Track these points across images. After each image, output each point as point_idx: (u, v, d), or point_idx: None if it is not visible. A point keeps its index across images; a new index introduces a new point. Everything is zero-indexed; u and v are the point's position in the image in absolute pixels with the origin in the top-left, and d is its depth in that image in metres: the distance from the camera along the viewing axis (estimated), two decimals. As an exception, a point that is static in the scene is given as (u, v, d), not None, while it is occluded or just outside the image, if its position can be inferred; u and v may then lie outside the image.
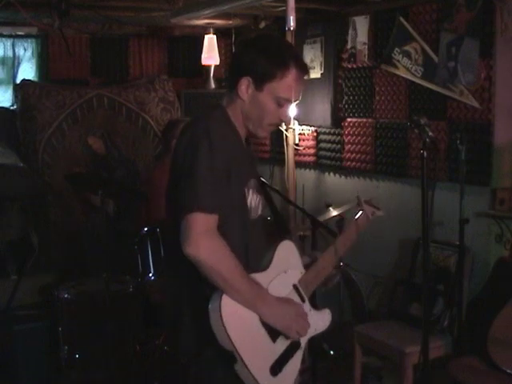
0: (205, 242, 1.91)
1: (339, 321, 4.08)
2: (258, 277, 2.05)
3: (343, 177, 5.03)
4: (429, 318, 3.58)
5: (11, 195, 4.77)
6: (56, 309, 3.87)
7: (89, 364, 3.80)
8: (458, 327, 3.70)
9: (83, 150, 5.27)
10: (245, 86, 2.08)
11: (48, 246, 5.02)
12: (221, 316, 1.92)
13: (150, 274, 3.70)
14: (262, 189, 2.25)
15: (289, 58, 2.08)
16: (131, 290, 3.86)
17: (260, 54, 2.07)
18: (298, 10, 3.86)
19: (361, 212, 2.44)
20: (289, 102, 2.12)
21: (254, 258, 2.10)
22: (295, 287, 2.17)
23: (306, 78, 2.16)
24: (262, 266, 2.09)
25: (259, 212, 2.19)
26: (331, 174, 5.15)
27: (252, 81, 2.07)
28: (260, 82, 2.07)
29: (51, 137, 5.21)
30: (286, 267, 2.15)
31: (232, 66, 2.16)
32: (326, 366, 4.32)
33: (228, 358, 1.95)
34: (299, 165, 5.28)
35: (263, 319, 2.02)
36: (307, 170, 5.35)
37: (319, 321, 2.24)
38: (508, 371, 3.15)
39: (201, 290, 2.00)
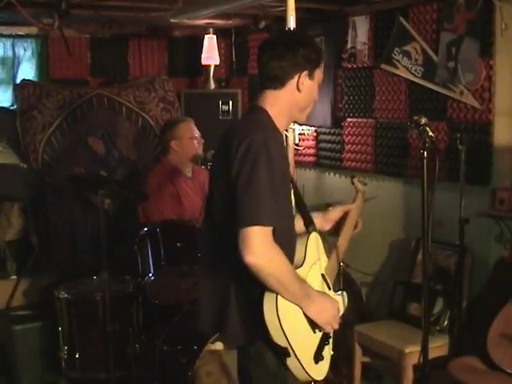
0: (264, 251, 2.05)
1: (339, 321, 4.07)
2: (299, 272, 2.21)
3: (343, 177, 5.03)
4: (429, 317, 3.59)
5: (11, 195, 4.77)
6: (56, 309, 3.86)
7: (89, 364, 3.80)
8: (457, 327, 3.70)
9: (83, 150, 5.26)
10: (303, 79, 2.28)
11: (48, 246, 5.02)
12: (278, 316, 2.08)
13: (150, 274, 3.70)
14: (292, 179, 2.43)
15: (319, 44, 2.45)
16: (131, 290, 3.86)
17: (311, 49, 2.30)
18: (297, 10, 3.86)
19: (357, 193, 2.74)
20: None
21: (294, 249, 2.29)
22: (323, 276, 2.38)
23: None
24: (298, 261, 2.27)
25: (293, 210, 2.38)
26: (331, 173, 5.15)
27: (307, 72, 2.29)
28: (313, 72, 2.31)
29: (51, 137, 5.20)
30: (315, 259, 2.35)
31: (279, 68, 2.27)
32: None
33: (279, 352, 2.12)
34: (299, 165, 5.28)
35: (306, 313, 2.19)
36: (307, 169, 5.35)
37: (342, 304, 2.45)
38: (508, 371, 3.15)
39: (250, 289, 2.14)
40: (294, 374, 2.18)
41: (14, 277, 4.70)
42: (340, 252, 2.56)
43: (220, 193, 2.23)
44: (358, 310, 4.61)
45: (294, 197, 2.40)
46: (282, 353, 2.12)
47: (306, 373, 2.18)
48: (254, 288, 2.13)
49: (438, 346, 3.65)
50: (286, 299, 2.12)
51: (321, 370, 2.29)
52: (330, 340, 2.35)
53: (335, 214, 2.68)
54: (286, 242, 2.19)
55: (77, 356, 3.77)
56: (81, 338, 3.79)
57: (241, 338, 2.24)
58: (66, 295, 3.81)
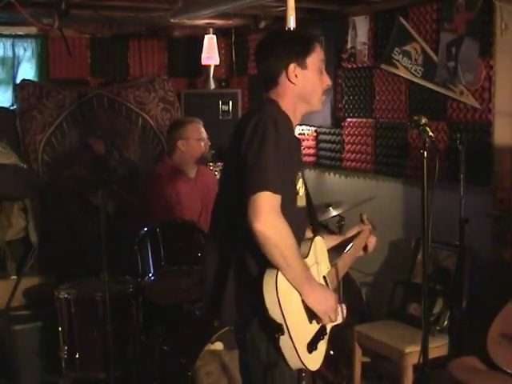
0: (272, 219, 2.08)
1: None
2: None
3: (343, 177, 5.03)
4: (429, 317, 3.59)
5: (11, 195, 4.77)
6: (56, 309, 3.86)
7: (88, 364, 3.80)
8: (457, 327, 3.70)
9: (83, 150, 5.26)
10: (293, 72, 2.32)
11: (48, 246, 5.02)
12: (277, 290, 2.10)
13: (150, 275, 3.70)
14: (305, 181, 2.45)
15: (308, 33, 2.42)
16: (131, 290, 3.86)
17: (290, 41, 2.37)
18: (297, 10, 3.85)
19: (366, 228, 2.74)
20: (323, 63, 2.41)
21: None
22: (324, 279, 2.42)
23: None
24: (302, 255, 2.26)
25: (304, 202, 2.40)
26: (331, 173, 5.15)
27: (297, 64, 2.32)
28: (303, 61, 2.33)
29: (51, 137, 5.21)
30: (318, 260, 2.38)
31: (268, 66, 2.35)
32: (325, 367, 4.32)
33: (274, 329, 2.13)
34: (299, 165, 5.27)
35: (305, 300, 2.21)
36: (307, 169, 5.35)
37: (340, 313, 2.43)
38: (508, 371, 3.15)
39: (247, 268, 2.20)
40: (285, 356, 2.17)
41: (14, 277, 4.69)
42: (342, 268, 2.58)
43: (229, 171, 2.30)
44: (358, 310, 4.61)
45: (306, 198, 2.43)
46: (276, 329, 2.12)
47: (298, 356, 2.17)
48: (254, 264, 2.17)
49: (438, 346, 3.65)
50: (288, 277, 2.14)
51: (313, 360, 2.28)
52: (326, 337, 2.35)
53: (351, 232, 2.73)
54: (291, 220, 2.20)
55: (77, 356, 3.77)
56: (81, 338, 3.79)
57: (235, 317, 2.27)
58: (66, 295, 3.81)
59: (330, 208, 4.20)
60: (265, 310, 2.12)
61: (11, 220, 4.80)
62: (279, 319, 2.11)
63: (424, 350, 2.34)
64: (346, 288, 4.32)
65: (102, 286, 3.59)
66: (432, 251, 3.86)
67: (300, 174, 2.36)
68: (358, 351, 3.95)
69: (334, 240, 2.72)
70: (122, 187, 3.93)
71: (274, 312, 2.12)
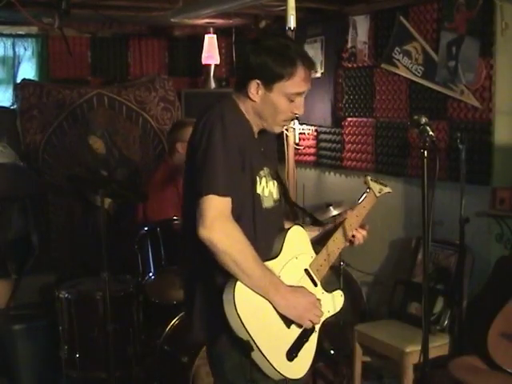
0: (218, 224, 1.95)
1: (339, 320, 4.07)
2: (271, 264, 2.08)
3: (343, 176, 5.03)
4: (429, 317, 3.59)
5: (11, 195, 4.77)
6: (56, 309, 3.86)
7: (89, 364, 3.80)
8: (458, 327, 3.70)
9: (83, 150, 5.26)
10: (254, 89, 2.12)
11: (48, 245, 5.02)
12: (235, 306, 1.95)
13: (150, 274, 3.70)
14: (278, 177, 2.29)
15: (295, 57, 2.11)
16: (131, 289, 3.86)
17: (267, 56, 2.10)
18: (298, 10, 3.86)
19: (367, 191, 2.51)
20: (300, 95, 2.16)
21: (263, 246, 2.12)
22: (307, 272, 2.22)
23: (313, 72, 2.23)
24: (274, 254, 2.13)
25: (273, 201, 2.22)
26: (331, 173, 5.15)
27: (261, 83, 2.11)
28: (269, 84, 2.11)
29: (51, 136, 5.21)
30: (296, 253, 2.19)
31: (241, 68, 2.19)
32: (326, 366, 4.32)
33: (243, 346, 1.99)
34: (299, 164, 5.28)
35: (275, 307, 2.04)
36: (307, 169, 5.35)
37: (332, 303, 2.30)
38: (508, 371, 3.15)
39: (213, 280, 2.05)
40: (263, 369, 2.02)
41: (14, 276, 4.69)
42: (336, 249, 2.33)
43: (188, 175, 2.15)
44: (359, 309, 4.61)
45: (280, 191, 2.28)
46: (246, 347, 1.98)
47: (274, 369, 2.02)
48: (216, 277, 2.03)
49: (439, 346, 3.65)
50: (249, 287, 1.99)
51: (296, 369, 2.11)
52: (312, 338, 2.17)
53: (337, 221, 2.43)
54: (245, 227, 2.04)
55: (77, 356, 3.77)
56: (81, 337, 3.79)
57: (204, 333, 2.13)
58: (66, 295, 3.81)
59: (330, 207, 4.20)
60: (230, 328, 1.98)
61: (11, 220, 4.80)
62: (245, 336, 1.97)
63: (424, 350, 2.33)
64: (346, 287, 4.34)
65: (102, 285, 3.58)
66: (432, 251, 3.87)
67: (264, 172, 2.17)
68: (359, 351, 3.95)
69: (316, 231, 2.44)
70: (122, 187, 3.91)
71: (238, 330, 1.97)
